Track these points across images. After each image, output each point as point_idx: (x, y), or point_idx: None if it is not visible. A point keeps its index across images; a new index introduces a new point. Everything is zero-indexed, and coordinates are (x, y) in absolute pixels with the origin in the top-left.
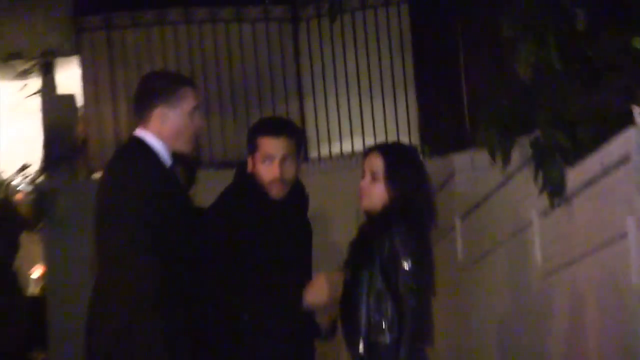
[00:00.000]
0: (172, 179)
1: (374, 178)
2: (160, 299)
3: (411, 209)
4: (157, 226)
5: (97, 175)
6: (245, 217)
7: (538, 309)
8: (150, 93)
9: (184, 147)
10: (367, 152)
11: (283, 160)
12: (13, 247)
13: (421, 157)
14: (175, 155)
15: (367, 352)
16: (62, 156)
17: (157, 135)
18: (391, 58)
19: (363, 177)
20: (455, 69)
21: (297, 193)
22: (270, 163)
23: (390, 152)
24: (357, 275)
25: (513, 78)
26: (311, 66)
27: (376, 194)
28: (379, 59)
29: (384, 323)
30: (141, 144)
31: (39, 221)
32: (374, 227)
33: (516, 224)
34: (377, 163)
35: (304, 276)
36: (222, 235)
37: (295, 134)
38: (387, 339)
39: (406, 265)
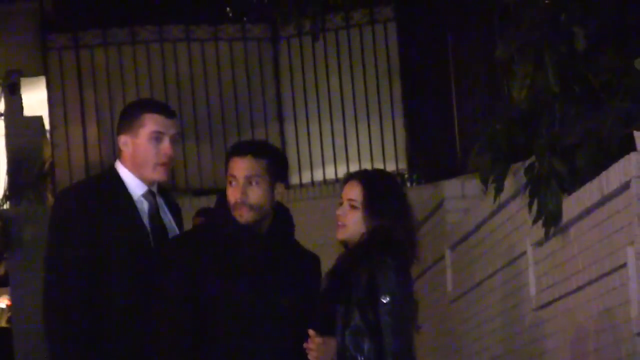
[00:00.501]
0: (126, 210)
1: (352, 207)
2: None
3: (392, 240)
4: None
5: None
6: (211, 251)
7: (532, 343)
8: (118, 122)
9: (152, 175)
10: (346, 179)
11: (247, 182)
12: None
13: (408, 184)
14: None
15: None
16: (28, 182)
17: (126, 165)
18: (377, 79)
19: (341, 205)
20: (446, 91)
21: (284, 223)
22: (234, 184)
23: (370, 180)
24: (332, 309)
25: (508, 101)
26: (292, 88)
27: (354, 224)
28: (365, 81)
29: (359, 358)
30: (111, 173)
31: (4, 249)
32: (351, 258)
33: (509, 254)
34: (355, 191)
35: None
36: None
37: (264, 155)
38: None
39: (385, 301)
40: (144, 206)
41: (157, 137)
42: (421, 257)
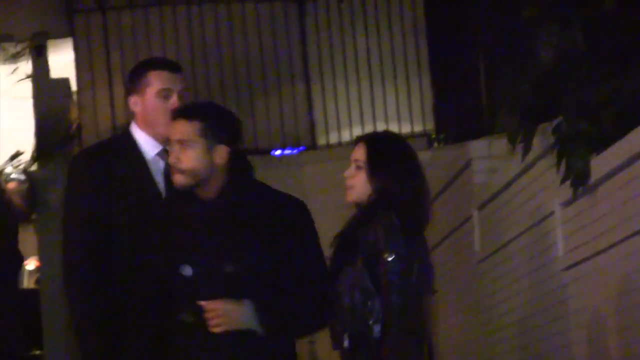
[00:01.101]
0: (138, 170)
1: (357, 167)
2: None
3: (398, 201)
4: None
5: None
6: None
7: (560, 303)
8: (127, 84)
9: (165, 132)
10: (355, 142)
11: (180, 146)
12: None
13: (435, 144)
14: None
15: (352, 347)
16: (56, 144)
17: (139, 125)
18: (404, 39)
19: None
20: (473, 50)
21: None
22: (170, 149)
23: (375, 140)
24: (340, 270)
25: (535, 61)
26: (319, 49)
27: (360, 185)
28: (391, 40)
29: (370, 317)
30: (125, 134)
31: (32, 212)
32: (358, 219)
33: (537, 214)
34: (360, 152)
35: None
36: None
37: (198, 117)
38: (374, 333)
39: (389, 260)
40: (159, 165)
41: (165, 94)
42: (431, 217)
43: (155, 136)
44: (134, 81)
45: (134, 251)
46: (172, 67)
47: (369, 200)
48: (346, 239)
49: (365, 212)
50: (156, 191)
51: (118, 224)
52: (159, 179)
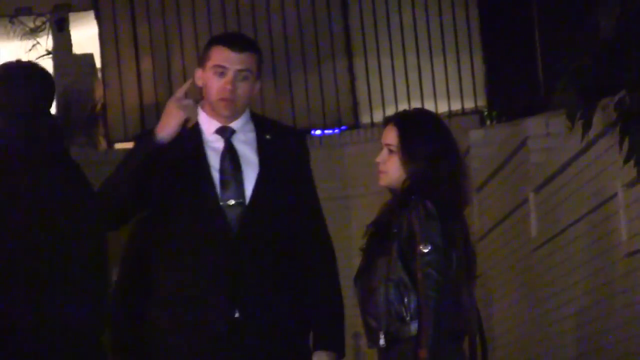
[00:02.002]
0: (191, 149)
1: (390, 151)
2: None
3: (433, 184)
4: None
5: (118, 145)
6: None
7: (623, 293)
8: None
9: (214, 109)
10: (385, 123)
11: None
12: None
13: (488, 122)
14: None
15: (388, 345)
16: (79, 124)
17: (203, 101)
18: (453, 9)
19: (381, 150)
20: (528, 20)
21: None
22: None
23: (406, 121)
24: (374, 263)
25: (595, 31)
26: (361, 20)
27: (394, 170)
28: (440, 11)
29: (405, 313)
30: None
31: None
32: (392, 206)
33: (598, 196)
34: (392, 135)
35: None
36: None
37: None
38: (410, 330)
39: (425, 251)
40: (219, 143)
41: (220, 71)
42: (471, 200)
43: (214, 114)
44: (202, 54)
45: (184, 226)
46: (233, 44)
47: (403, 185)
48: (380, 228)
49: (400, 199)
50: (205, 173)
51: (170, 202)
52: (215, 157)
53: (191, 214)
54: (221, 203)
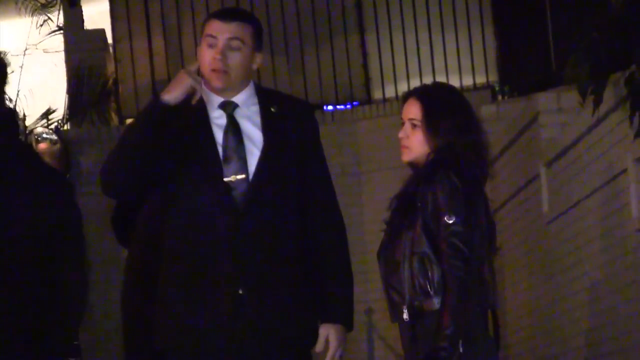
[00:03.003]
0: (195, 126)
1: (413, 126)
2: None
3: (457, 158)
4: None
5: (130, 121)
6: None
7: (635, 267)
8: None
9: (210, 83)
10: (405, 97)
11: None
12: None
13: (500, 97)
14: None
15: (412, 319)
16: (91, 101)
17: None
18: None
19: (402, 125)
20: None
21: None
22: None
23: (430, 95)
24: (398, 236)
25: (606, 5)
26: None
27: (417, 144)
28: None
29: (429, 287)
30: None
31: (64, 174)
32: (416, 180)
33: (609, 171)
34: (415, 109)
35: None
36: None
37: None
38: (434, 304)
39: (450, 222)
40: (222, 118)
41: (210, 42)
42: (492, 174)
43: (214, 89)
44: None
45: (189, 201)
46: (223, 15)
47: (427, 159)
48: (405, 201)
49: (425, 173)
50: (208, 149)
51: (174, 177)
52: (219, 133)
53: (197, 189)
54: (225, 179)
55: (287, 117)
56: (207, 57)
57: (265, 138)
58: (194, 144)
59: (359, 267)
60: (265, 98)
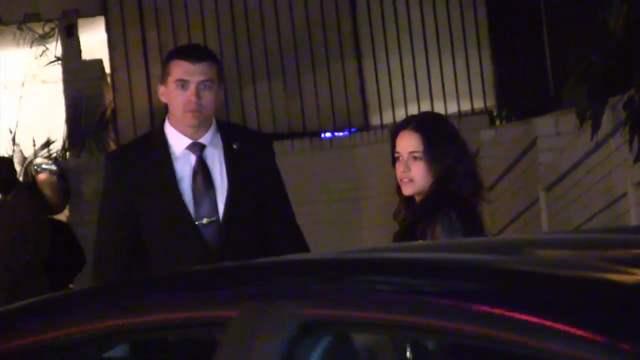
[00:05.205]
0: (161, 168)
1: (415, 159)
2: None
3: (457, 186)
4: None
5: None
6: None
7: None
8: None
9: (183, 123)
10: (397, 131)
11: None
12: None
13: (497, 122)
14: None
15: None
16: (89, 130)
17: (170, 118)
18: (461, 8)
19: (397, 159)
20: (536, 20)
21: None
22: None
23: (425, 125)
24: None
25: (604, 30)
26: (370, 20)
27: (420, 177)
28: (448, 9)
29: None
30: (159, 128)
31: (64, 204)
32: (417, 213)
33: (608, 195)
34: (415, 142)
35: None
36: None
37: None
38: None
39: None
40: (189, 159)
41: (182, 84)
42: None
43: (183, 129)
44: (162, 71)
45: (161, 246)
46: (192, 56)
47: (430, 189)
48: (406, 230)
49: (428, 207)
50: (177, 192)
51: (145, 222)
52: (187, 175)
53: (169, 234)
54: (197, 222)
55: (248, 152)
56: (180, 99)
57: (231, 178)
58: (160, 189)
59: None
60: (227, 135)
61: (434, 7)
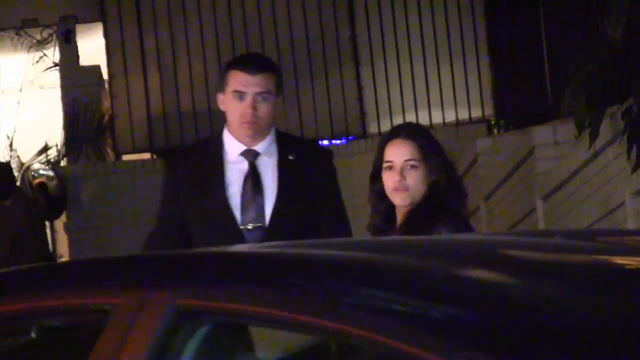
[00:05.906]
0: (214, 173)
1: (411, 167)
2: None
3: (447, 194)
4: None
5: (126, 156)
6: None
7: None
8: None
9: (239, 133)
10: (386, 140)
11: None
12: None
13: (495, 131)
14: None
15: None
16: (86, 136)
17: (227, 125)
18: (460, 17)
19: (389, 168)
20: (535, 29)
21: None
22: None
23: (418, 133)
24: None
25: (603, 39)
26: (368, 29)
27: (417, 185)
28: (446, 18)
29: None
30: (218, 133)
31: (62, 210)
32: (408, 225)
33: (606, 205)
34: (410, 150)
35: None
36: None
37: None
38: None
39: None
40: (242, 166)
41: (239, 96)
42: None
43: (239, 137)
44: (220, 79)
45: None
46: (249, 67)
47: (422, 199)
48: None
49: (425, 212)
50: (224, 195)
51: (193, 223)
52: (238, 180)
53: (214, 236)
54: (241, 227)
55: (304, 164)
56: (237, 110)
57: (281, 187)
58: (210, 191)
59: None
60: (284, 145)
61: (432, 16)
